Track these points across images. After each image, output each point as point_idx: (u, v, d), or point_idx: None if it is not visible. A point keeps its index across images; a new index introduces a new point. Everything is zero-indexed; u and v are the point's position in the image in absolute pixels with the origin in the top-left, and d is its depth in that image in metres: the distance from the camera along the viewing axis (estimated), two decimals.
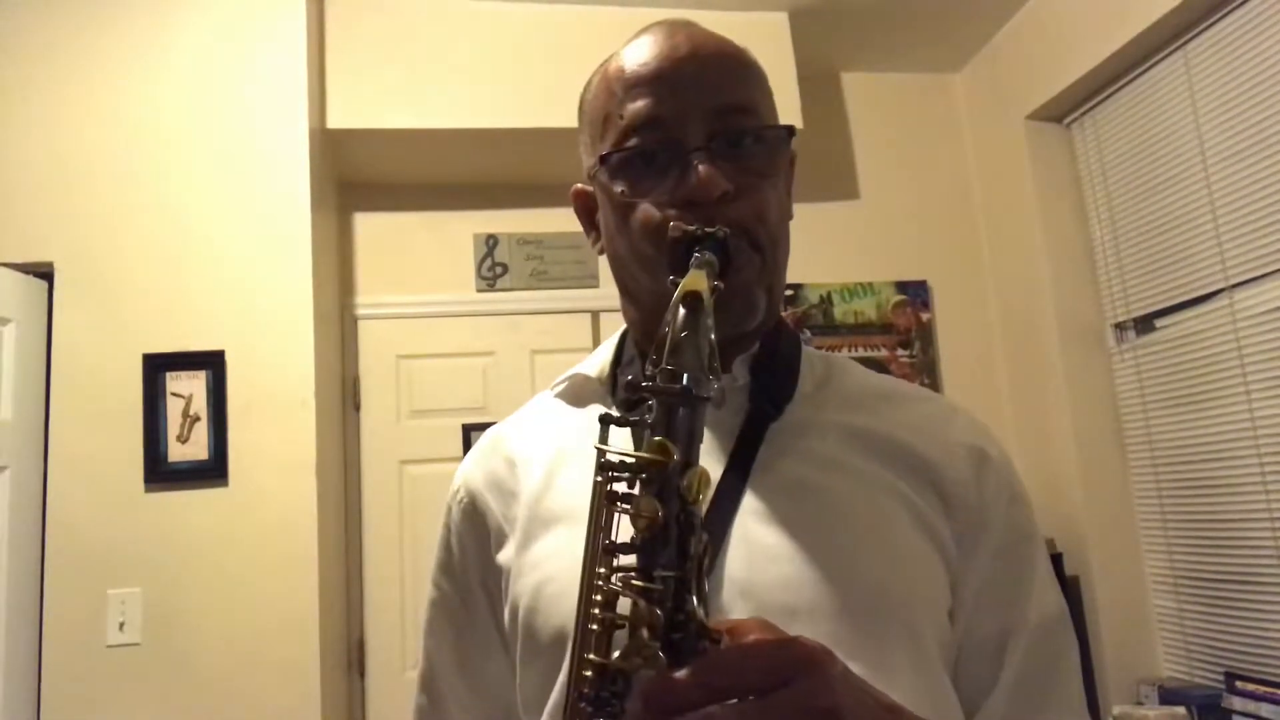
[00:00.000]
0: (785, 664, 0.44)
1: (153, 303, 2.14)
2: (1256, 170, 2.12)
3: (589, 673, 0.49)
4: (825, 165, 3.05)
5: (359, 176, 2.79)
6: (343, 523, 2.57)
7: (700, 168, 0.66)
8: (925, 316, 3.01)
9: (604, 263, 0.77)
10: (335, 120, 2.48)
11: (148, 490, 2.06)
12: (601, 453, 0.52)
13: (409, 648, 2.59)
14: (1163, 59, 2.38)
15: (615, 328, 0.83)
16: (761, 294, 0.70)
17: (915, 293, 3.02)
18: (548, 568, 0.68)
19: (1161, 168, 2.42)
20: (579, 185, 0.79)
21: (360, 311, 2.78)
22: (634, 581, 0.48)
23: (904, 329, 2.99)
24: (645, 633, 0.46)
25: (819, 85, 2.98)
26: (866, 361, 0.86)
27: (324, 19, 2.51)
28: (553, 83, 2.49)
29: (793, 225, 0.75)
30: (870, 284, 3.00)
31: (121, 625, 1.99)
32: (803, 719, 0.43)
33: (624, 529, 0.50)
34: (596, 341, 2.82)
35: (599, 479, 0.53)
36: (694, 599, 0.48)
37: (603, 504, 0.53)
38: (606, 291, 2.82)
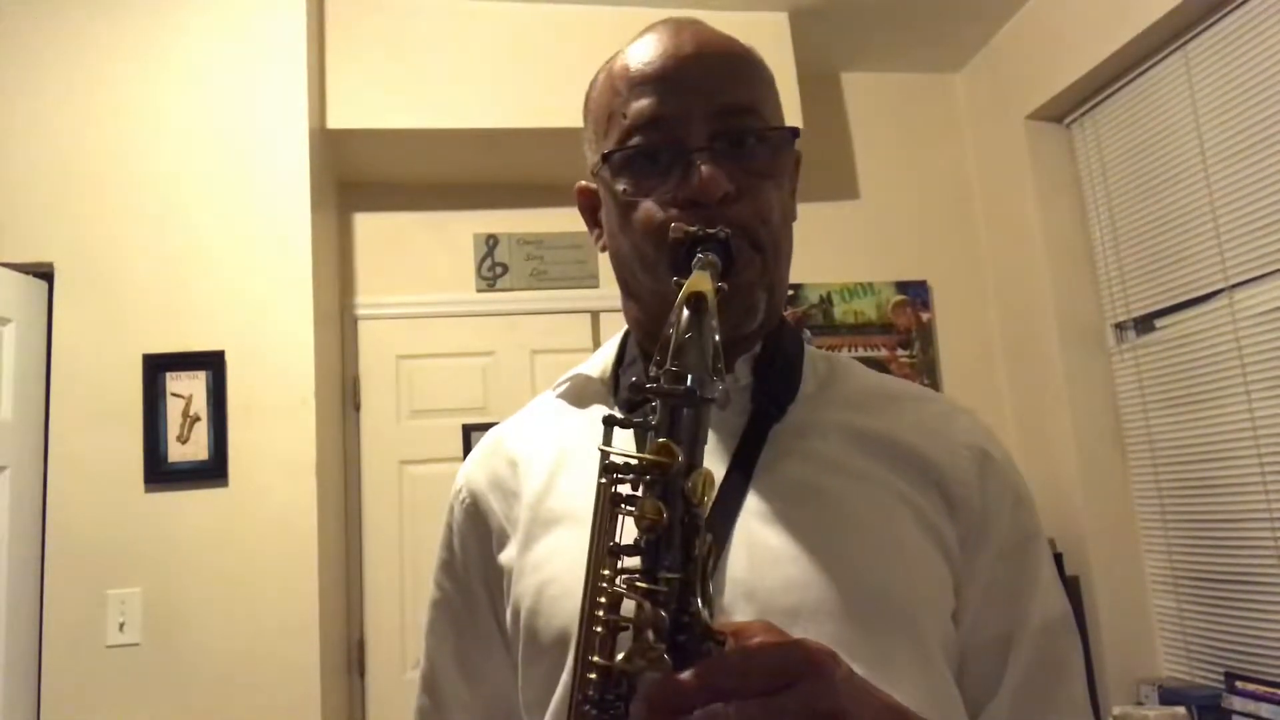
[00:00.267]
0: (790, 666, 0.44)
1: (152, 303, 2.13)
2: (1256, 170, 2.12)
3: (593, 675, 0.49)
4: (825, 165, 3.05)
5: (359, 176, 2.79)
6: (343, 523, 2.57)
7: (702, 168, 0.65)
8: (925, 316, 3.01)
9: (604, 263, 0.77)
10: (335, 120, 2.48)
11: (148, 490, 2.06)
12: (606, 454, 0.52)
13: (409, 648, 2.59)
14: (1163, 59, 2.38)
15: (615, 328, 0.83)
16: (762, 295, 0.69)
17: (915, 292, 3.02)
18: (550, 569, 0.68)
19: (1161, 167, 2.42)
20: (583, 182, 0.79)
21: (360, 311, 2.78)
22: (638, 583, 0.48)
23: (904, 329, 2.99)
24: (650, 635, 0.46)
25: (819, 85, 2.98)
26: (867, 361, 0.86)
27: (324, 19, 2.51)
28: (552, 83, 2.50)
29: (793, 225, 0.75)
30: (870, 284, 3.00)
31: (121, 625, 1.99)
32: None
33: (628, 531, 0.50)
34: (597, 341, 2.82)
35: (603, 480, 0.53)
36: (699, 601, 0.48)
37: (607, 506, 0.53)
38: (606, 291, 2.82)
